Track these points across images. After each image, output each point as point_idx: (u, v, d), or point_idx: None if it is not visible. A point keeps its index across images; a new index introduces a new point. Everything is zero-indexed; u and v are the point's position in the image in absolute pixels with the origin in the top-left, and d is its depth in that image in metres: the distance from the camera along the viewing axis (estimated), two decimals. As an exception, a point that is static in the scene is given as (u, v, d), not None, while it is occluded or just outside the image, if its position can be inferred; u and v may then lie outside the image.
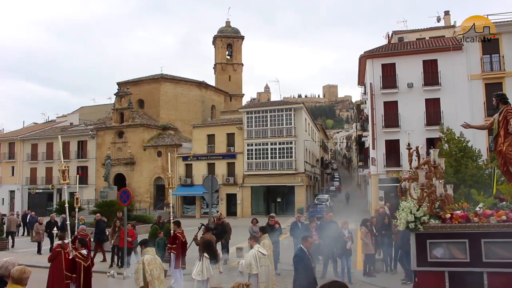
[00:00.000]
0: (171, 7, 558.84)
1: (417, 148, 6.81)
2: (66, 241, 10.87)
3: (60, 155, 12.43)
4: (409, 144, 6.85)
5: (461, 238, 6.36)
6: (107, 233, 18.19)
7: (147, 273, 8.23)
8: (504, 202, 7.03)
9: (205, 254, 9.35)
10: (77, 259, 9.43)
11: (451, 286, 6.27)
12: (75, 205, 14.18)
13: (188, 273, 11.63)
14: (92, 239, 17.01)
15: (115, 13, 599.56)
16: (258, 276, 9.15)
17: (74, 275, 9.27)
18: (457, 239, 6.38)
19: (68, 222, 11.57)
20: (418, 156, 6.84)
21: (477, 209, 6.90)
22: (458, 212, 6.67)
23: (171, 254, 12.74)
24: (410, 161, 6.81)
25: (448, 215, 6.56)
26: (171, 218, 14.90)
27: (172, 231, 13.71)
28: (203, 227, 14.35)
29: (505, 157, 7.49)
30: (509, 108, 7.73)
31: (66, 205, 11.72)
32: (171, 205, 15.90)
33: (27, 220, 28.83)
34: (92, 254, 14.88)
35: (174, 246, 12.75)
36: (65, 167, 11.03)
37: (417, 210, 6.58)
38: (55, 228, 20.80)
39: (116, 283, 11.73)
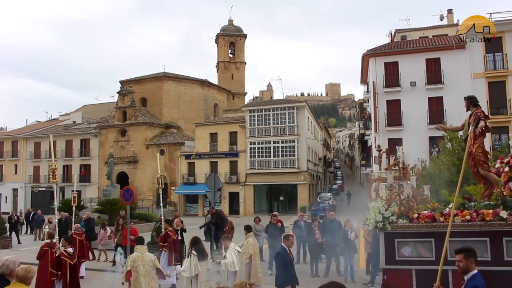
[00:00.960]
0: (173, 5, 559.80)
1: (386, 149, 7.07)
2: (54, 240, 11.09)
3: (52, 154, 12.48)
4: (379, 146, 7.08)
5: (428, 237, 6.56)
6: (96, 232, 18.54)
7: (132, 269, 8.47)
8: (472, 203, 7.19)
9: (193, 251, 9.42)
10: (62, 257, 9.52)
11: (418, 284, 6.44)
12: (72, 203, 14.41)
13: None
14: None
15: (118, 11, 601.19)
16: (237, 274, 9.39)
17: (59, 273, 9.36)
18: (424, 238, 6.58)
19: (56, 220, 11.79)
20: (388, 157, 7.07)
21: (447, 209, 7.06)
22: (425, 212, 6.85)
23: (163, 252, 12.89)
24: (380, 162, 6.97)
25: (416, 215, 6.73)
26: (162, 217, 15.28)
27: (163, 230, 13.83)
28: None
29: (474, 158, 7.70)
30: (478, 111, 7.92)
31: (56, 204, 11.77)
32: (161, 206, 15.93)
33: (30, 219, 28.91)
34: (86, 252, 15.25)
35: (166, 244, 12.88)
36: (55, 166, 11.05)
37: (386, 210, 6.73)
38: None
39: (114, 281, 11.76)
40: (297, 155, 41.54)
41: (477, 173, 7.60)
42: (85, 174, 51.44)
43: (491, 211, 6.43)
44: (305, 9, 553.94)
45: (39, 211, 26.45)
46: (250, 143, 43.16)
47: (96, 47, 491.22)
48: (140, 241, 9.39)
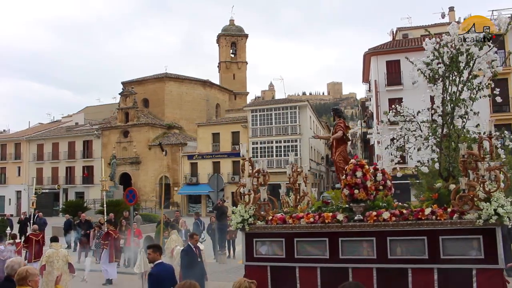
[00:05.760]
0: (174, 6, 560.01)
1: (249, 158, 7.67)
2: (17, 240, 11.82)
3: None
4: (243, 155, 7.69)
5: (279, 237, 7.25)
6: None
7: (47, 264, 9.63)
8: (329, 207, 7.79)
9: (143, 250, 10.13)
10: None
11: (272, 279, 7.13)
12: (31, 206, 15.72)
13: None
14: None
15: (119, 12, 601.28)
16: None
17: None
18: (276, 238, 7.29)
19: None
20: (252, 165, 7.69)
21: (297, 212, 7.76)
22: (278, 215, 7.59)
23: (104, 249, 14.27)
24: (243, 170, 7.63)
25: (270, 217, 7.43)
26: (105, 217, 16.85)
27: (106, 229, 15.27)
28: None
29: (335, 165, 8.55)
30: (340, 122, 8.74)
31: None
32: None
33: (34, 221, 28.88)
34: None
35: (106, 242, 14.30)
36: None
37: (245, 212, 7.40)
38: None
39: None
40: (300, 154, 41.54)
41: (339, 179, 8.18)
42: (88, 176, 51.52)
43: (330, 214, 7.04)
44: (306, 8, 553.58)
45: (40, 213, 26.42)
46: (253, 143, 43.18)
47: (97, 49, 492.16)
48: (55, 239, 10.35)
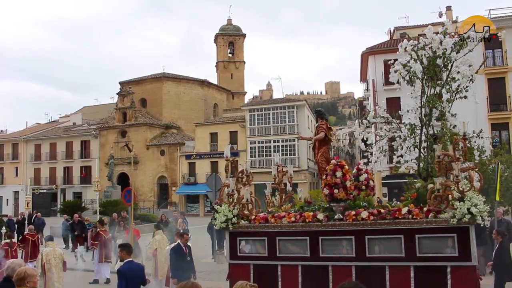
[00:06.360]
0: (175, 6, 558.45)
1: (232, 158, 7.82)
2: (13, 240, 12.09)
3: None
4: (227, 156, 7.77)
5: (262, 236, 7.41)
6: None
7: (46, 262, 10.01)
8: (311, 206, 7.90)
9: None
10: None
11: (255, 276, 7.26)
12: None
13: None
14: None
15: (119, 13, 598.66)
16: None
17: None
18: (259, 237, 7.45)
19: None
20: (236, 166, 7.82)
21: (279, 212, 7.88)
22: (261, 214, 7.69)
23: (94, 249, 14.46)
24: (227, 171, 7.71)
25: (253, 217, 7.57)
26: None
27: (97, 229, 15.22)
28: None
29: (318, 165, 8.71)
30: (322, 124, 8.89)
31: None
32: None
33: (32, 221, 28.82)
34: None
35: (96, 242, 14.34)
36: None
37: (229, 212, 7.54)
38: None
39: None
40: (298, 154, 41.58)
41: (322, 179, 8.34)
42: (86, 176, 51.43)
43: (311, 213, 7.17)
44: (306, 8, 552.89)
45: (38, 214, 26.36)
46: (251, 143, 43.21)
47: (97, 49, 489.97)
48: (50, 238, 10.97)
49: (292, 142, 41.70)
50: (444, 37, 7.57)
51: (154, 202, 47.01)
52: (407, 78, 8.06)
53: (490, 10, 28.15)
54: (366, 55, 35.77)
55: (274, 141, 42.31)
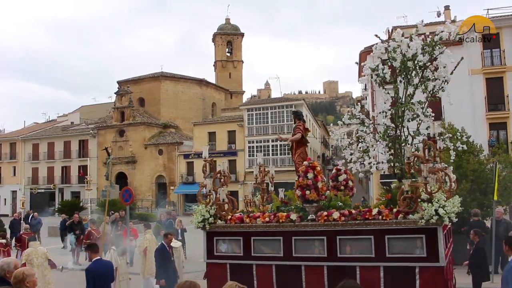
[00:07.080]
0: (174, 6, 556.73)
1: (211, 159, 7.99)
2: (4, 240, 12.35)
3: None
4: (205, 157, 7.92)
5: (237, 236, 7.53)
6: None
7: (28, 263, 9.95)
8: (287, 206, 8.03)
9: (113, 247, 10.68)
10: None
11: (231, 275, 7.35)
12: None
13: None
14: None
15: (119, 12, 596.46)
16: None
17: None
18: (235, 237, 7.57)
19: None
20: (213, 166, 7.99)
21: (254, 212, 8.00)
22: (236, 214, 7.79)
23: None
24: (205, 171, 7.85)
25: (229, 217, 7.66)
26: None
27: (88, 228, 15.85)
28: None
29: (295, 166, 8.79)
30: (299, 125, 9.10)
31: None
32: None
33: (29, 221, 28.72)
34: None
35: (89, 241, 14.38)
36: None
37: (206, 212, 7.65)
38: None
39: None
40: (296, 153, 41.47)
41: None
42: (84, 175, 51.25)
43: (284, 214, 7.26)
44: (306, 8, 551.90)
45: (35, 213, 26.25)
46: (249, 142, 43.20)
47: (97, 49, 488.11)
48: (33, 239, 11.12)
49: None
50: (411, 40, 7.71)
51: (152, 202, 46.95)
52: (377, 81, 8.34)
53: (488, 10, 28.18)
54: (365, 54, 35.64)
55: (273, 141, 42.28)
